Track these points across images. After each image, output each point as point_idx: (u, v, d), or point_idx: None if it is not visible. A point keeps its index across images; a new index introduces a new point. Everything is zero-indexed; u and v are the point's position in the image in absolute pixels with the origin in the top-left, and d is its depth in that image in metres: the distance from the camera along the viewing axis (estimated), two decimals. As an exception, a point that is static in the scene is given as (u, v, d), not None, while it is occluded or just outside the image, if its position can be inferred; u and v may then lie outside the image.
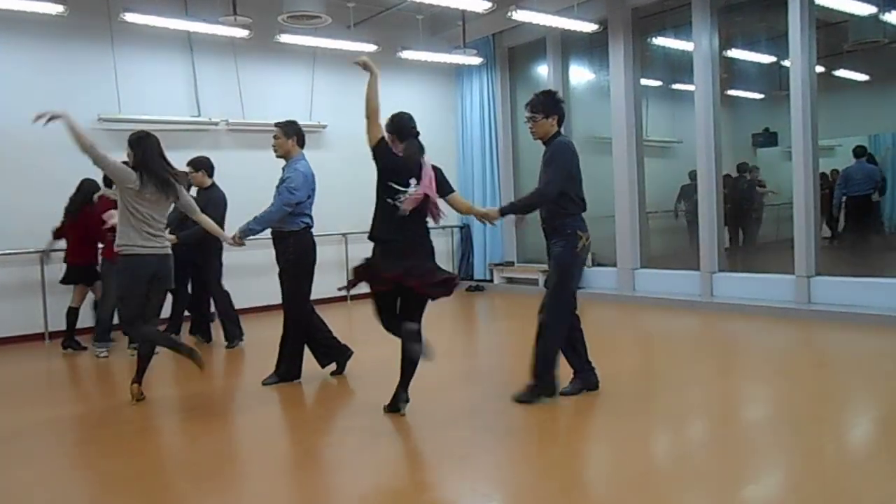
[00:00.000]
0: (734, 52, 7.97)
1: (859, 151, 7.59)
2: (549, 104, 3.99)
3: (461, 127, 9.63)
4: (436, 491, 2.98)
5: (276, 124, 4.67)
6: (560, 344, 3.95)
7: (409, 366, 3.77)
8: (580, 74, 8.84)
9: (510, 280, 9.18)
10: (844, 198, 7.85)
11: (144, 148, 4.18)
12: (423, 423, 3.76)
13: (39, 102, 6.63)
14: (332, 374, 4.85)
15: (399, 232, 3.65)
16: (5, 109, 6.54)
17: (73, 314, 6.09)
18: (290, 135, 4.61)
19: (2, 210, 6.51)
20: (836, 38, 7.24)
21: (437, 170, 3.79)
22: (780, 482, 2.91)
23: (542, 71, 8.89)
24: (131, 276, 4.16)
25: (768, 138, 7.97)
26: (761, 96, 8.45)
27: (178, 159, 5.63)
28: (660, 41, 8.22)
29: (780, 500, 2.72)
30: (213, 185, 5.86)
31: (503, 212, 4.08)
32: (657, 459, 3.28)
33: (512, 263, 9.25)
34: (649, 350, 5.61)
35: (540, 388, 3.89)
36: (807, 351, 5.45)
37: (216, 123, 7.67)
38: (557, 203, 3.92)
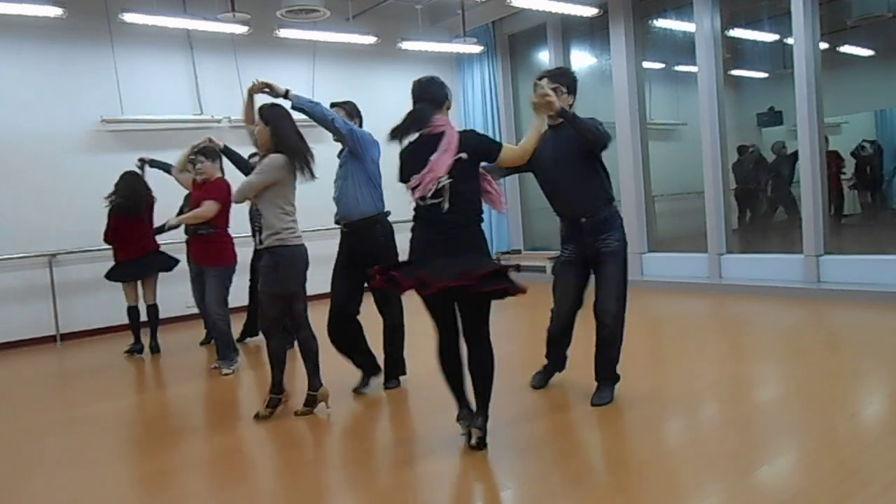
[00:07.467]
0: (736, 32, 7.90)
1: None
2: (572, 80, 3.58)
3: (463, 116, 9.56)
4: (447, 479, 2.99)
5: (333, 104, 4.21)
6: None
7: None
8: (581, 59, 8.79)
9: (517, 268, 9.17)
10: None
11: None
12: (434, 412, 3.77)
13: (42, 107, 6.76)
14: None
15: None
16: (8, 115, 6.57)
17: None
18: (354, 116, 4.28)
19: (10, 215, 6.55)
20: (839, 13, 7.16)
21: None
22: (793, 462, 2.90)
23: (544, 57, 8.84)
24: None
25: (773, 117, 7.91)
26: (765, 75, 8.39)
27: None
28: (661, 23, 8.15)
29: (793, 481, 2.72)
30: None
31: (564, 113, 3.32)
32: (670, 442, 3.28)
33: (519, 251, 9.25)
34: (659, 333, 5.60)
35: (615, 382, 3.69)
36: (817, 330, 5.43)
37: (219, 121, 7.66)
38: (603, 186, 3.58)
